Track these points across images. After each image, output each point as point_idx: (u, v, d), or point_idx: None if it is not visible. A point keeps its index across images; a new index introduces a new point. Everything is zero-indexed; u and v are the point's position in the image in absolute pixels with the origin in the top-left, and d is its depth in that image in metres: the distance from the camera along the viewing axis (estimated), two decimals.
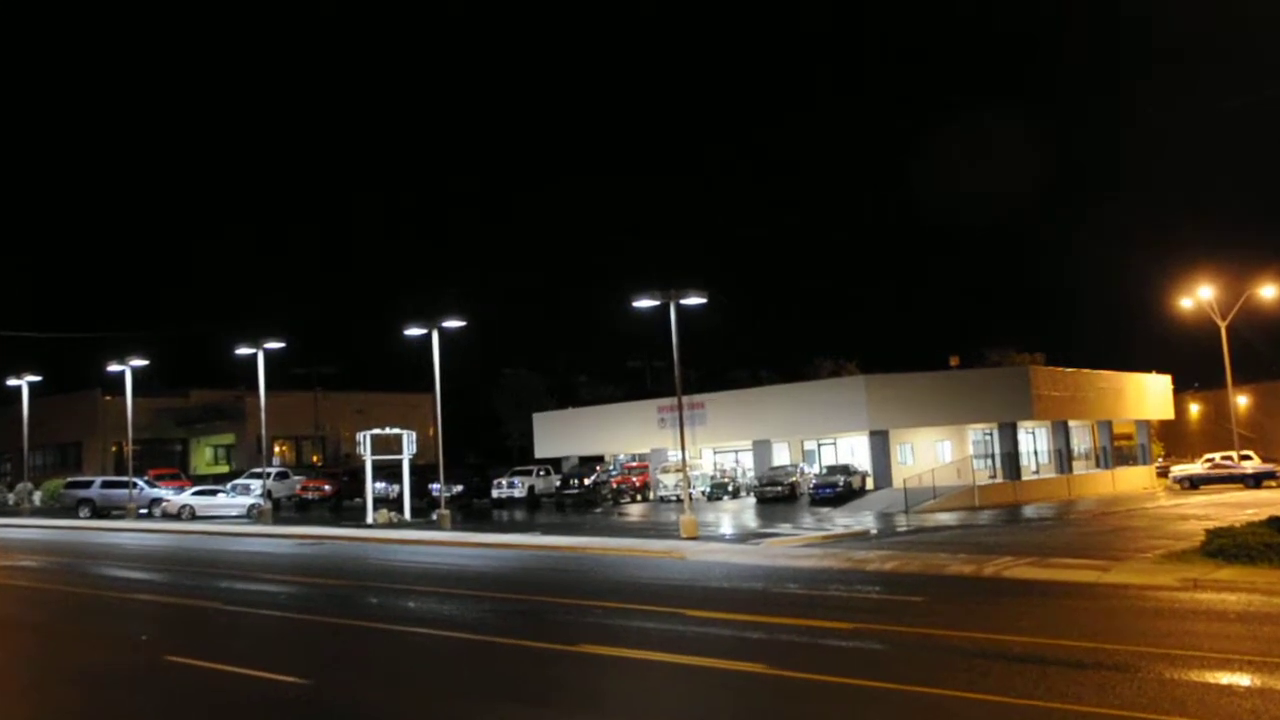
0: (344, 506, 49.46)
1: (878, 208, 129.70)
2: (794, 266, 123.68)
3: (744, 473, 51.76)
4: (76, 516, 45.62)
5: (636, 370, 72.40)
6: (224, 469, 67.08)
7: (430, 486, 46.77)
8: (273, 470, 51.12)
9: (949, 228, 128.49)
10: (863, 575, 20.07)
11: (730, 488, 48.87)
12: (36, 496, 56.15)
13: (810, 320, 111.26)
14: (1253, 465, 51.44)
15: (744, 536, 29.03)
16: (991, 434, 50.68)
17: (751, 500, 46.44)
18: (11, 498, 57.00)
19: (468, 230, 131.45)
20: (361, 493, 43.70)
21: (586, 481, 50.19)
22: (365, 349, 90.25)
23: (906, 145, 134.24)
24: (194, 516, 43.18)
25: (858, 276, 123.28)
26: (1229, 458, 52.95)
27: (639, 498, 50.29)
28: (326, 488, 50.57)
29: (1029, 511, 39.63)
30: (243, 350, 43.23)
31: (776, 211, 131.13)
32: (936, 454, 49.88)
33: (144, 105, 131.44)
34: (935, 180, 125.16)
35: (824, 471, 47.20)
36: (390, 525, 37.16)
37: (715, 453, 55.61)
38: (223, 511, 43.93)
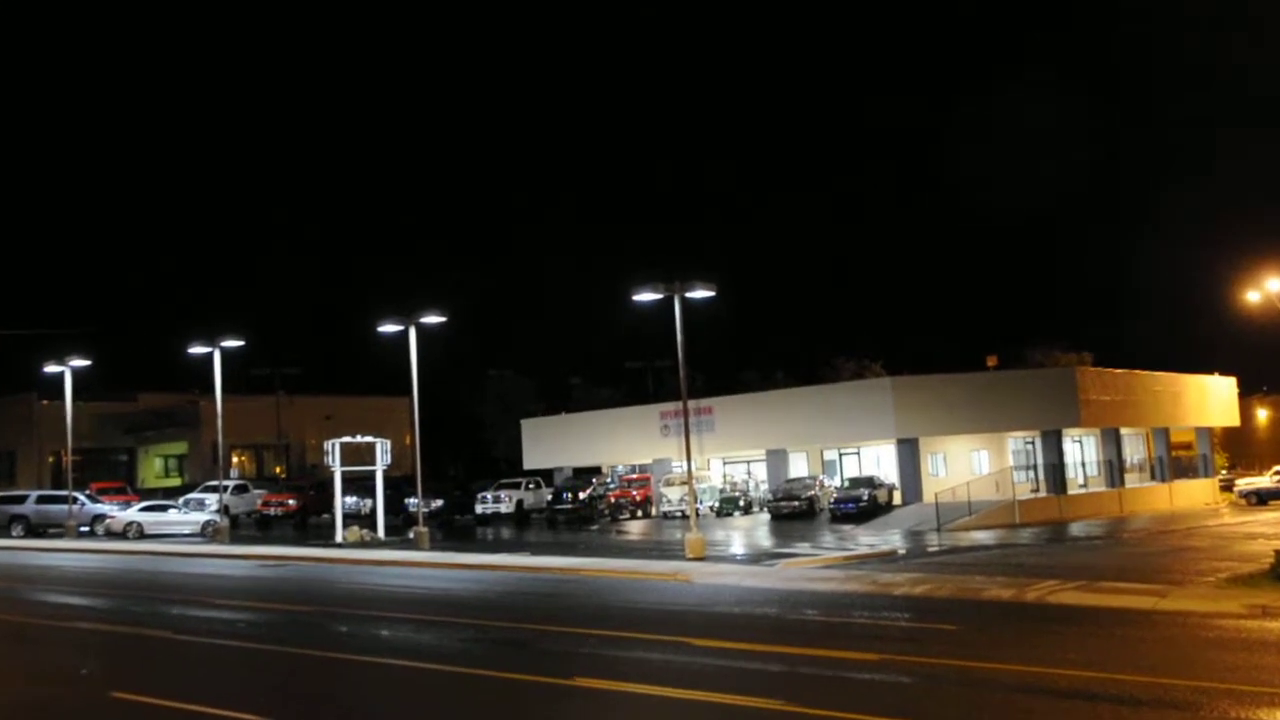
0: (310, 524, 49.51)
1: (905, 192, 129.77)
2: (812, 258, 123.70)
3: (757, 486, 51.84)
4: (9, 535, 45.60)
5: (636, 372, 72.45)
6: (175, 482, 67.07)
7: (406, 501, 46.80)
8: (230, 483, 51.03)
9: (986, 214, 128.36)
10: (890, 600, 20.06)
11: (741, 502, 48.95)
12: None
13: (830, 317, 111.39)
14: None
15: (757, 557, 29.12)
16: (1034, 443, 50.66)
17: (765, 517, 46.52)
18: None
19: (451, 219, 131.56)
20: (330, 508, 43.69)
21: (581, 495, 50.27)
22: (335, 348, 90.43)
23: (940, 121, 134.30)
24: (142, 535, 43.18)
25: (883, 268, 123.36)
26: None
27: (640, 514, 50.39)
28: (291, 503, 50.66)
29: (1076, 529, 39.62)
30: (196, 349, 43.16)
31: (793, 198, 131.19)
32: (972, 465, 49.89)
33: (82, 89, 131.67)
34: (971, 162, 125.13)
35: (846, 484, 47.26)
36: (362, 544, 37.19)
37: (725, 463, 55.61)
38: (174, 529, 43.92)
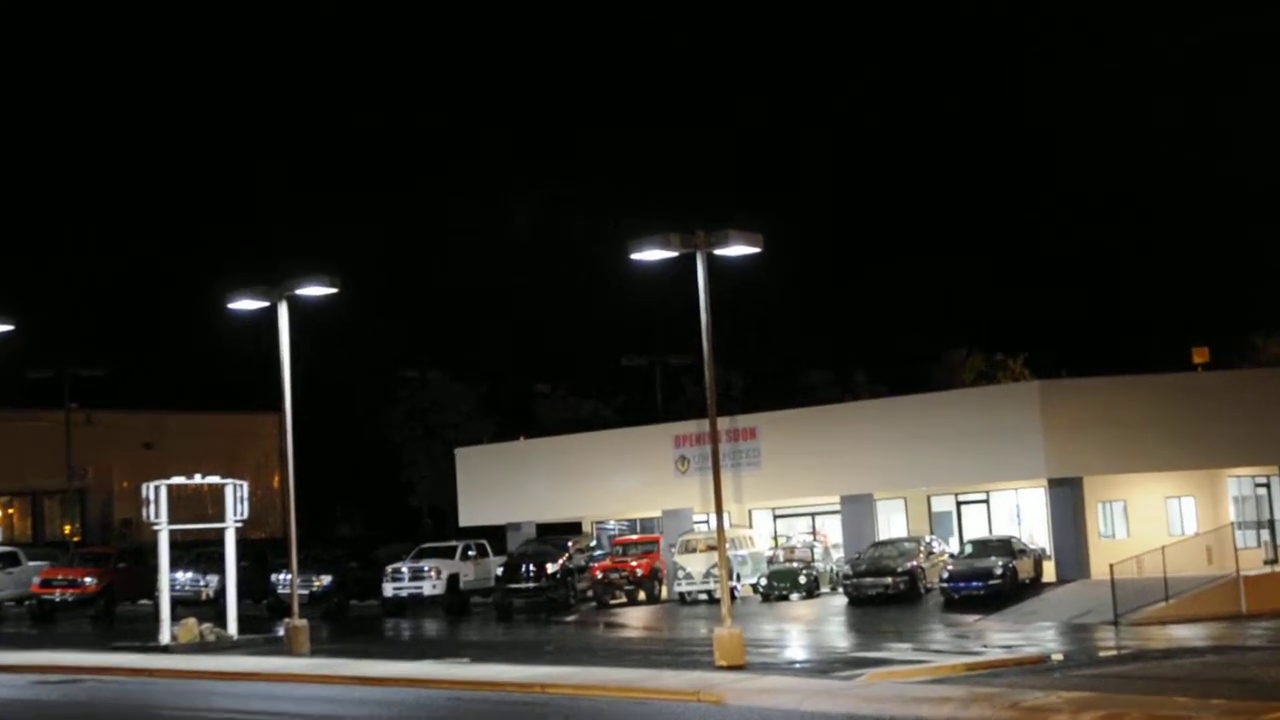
0: (120, 614, 49.39)
1: (1056, 101, 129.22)
2: (910, 201, 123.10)
3: (827, 552, 51.87)
4: None
5: (637, 374, 72.21)
6: None
7: (275, 579, 46.66)
8: None
9: (1175, 138, 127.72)
10: None
11: (802, 578, 48.93)
12: None
13: (940, 288, 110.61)
14: None
15: (827, 665, 29.13)
16: (1268, 485, 50.60)
17: (840, 600, 46.71)
18: None
19: (352, 150, 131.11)
20: (151, 591, 43.54)
21: (550, 568, 50.12)
22: (163, 339, 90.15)
23: None
24: None
25: (1018, 215, 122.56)
26: None
27: (642, 596, 50.53)
28: (88, 581, 50.41)
29: None
30: None
31: (880, 114, 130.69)
32: (1169, 520, 49.82)
33: None
34: (1145, 50, 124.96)
35: (968, 550, 47.13)
36: (203, 647, 37.21)
37: (776, 517, 55.67)
38: None
